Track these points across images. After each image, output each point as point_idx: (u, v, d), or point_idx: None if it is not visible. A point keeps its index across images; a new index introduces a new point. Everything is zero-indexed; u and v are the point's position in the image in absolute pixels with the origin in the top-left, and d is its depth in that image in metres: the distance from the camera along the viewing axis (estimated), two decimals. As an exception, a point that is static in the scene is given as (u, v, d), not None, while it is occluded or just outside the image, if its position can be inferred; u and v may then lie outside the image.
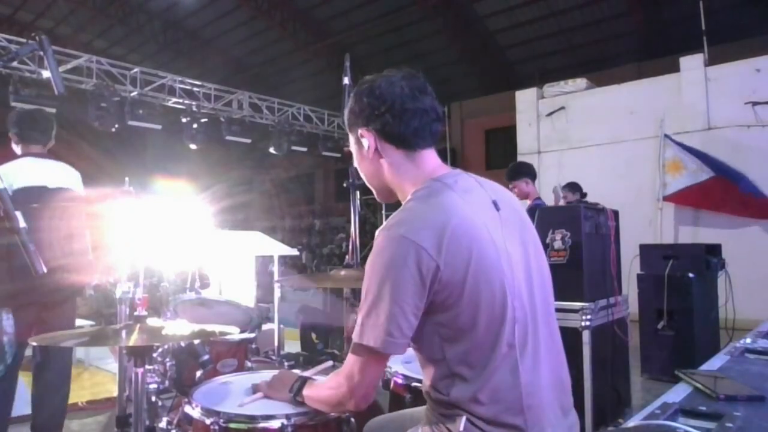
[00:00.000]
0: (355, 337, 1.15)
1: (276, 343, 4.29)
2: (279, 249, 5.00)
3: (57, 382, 2.67)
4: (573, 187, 5.37)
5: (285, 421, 1.42)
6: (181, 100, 10.66)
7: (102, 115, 9.18)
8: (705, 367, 1.52)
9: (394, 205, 1.29)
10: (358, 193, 2.16)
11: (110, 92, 9.34)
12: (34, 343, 1.46)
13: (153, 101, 10.30)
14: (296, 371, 1.69)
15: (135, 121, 9.68)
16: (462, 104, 14.35)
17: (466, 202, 1.18)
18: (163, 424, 1.82)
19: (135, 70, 10.18)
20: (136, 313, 1.66)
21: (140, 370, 1.49)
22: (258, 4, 14.27)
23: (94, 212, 2.64)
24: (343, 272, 1.98)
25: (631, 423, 1.10)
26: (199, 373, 2.02)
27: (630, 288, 3.99)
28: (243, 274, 5.15)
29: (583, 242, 2.94)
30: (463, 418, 1.12)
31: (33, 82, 8.74)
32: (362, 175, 1.37)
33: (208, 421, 1.46)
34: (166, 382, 2.08)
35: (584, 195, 5.28)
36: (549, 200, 4.76)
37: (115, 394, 2.37)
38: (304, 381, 1.46)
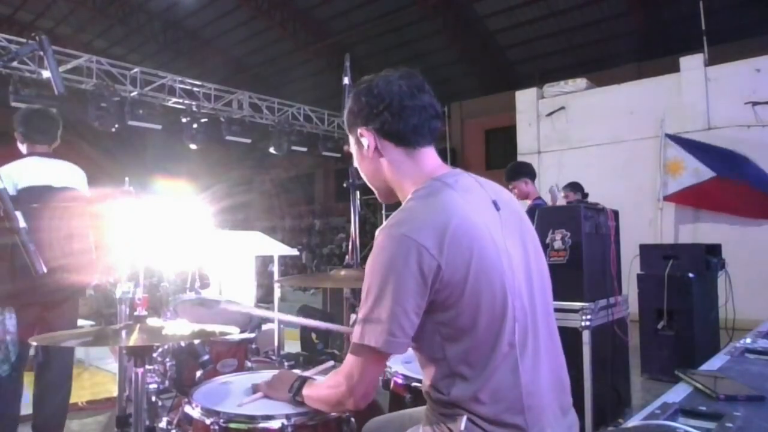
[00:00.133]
0: (355, 337, 1.15)
1: (276, 343, 4.29)
2: (279, 249, 4.99)
3: (58, 382, 2.67)
4: (575, 186, 5.36)
5: (285, 421, 1.42)
6: (181, 100, 10.66)
7: (102, 115, 9.18)
8: (705, 367, 1.52)
9: (394, 205, 1.29)
10: (358, 193, 2.16)
11: (110, 92, 9.34)
12: (35, 343, 1.46)
13: (153, 101, 10.30)
14: (296, 371, 1.69)
15: (135, 121, 9.69)
16: (462, 104, 14.36)
17: (467, 202, 1.18)
18: (163, 424, 1.82)
19: (135, 70, 10.18)
20: (136, 313, 1.65)
21: (140, 370, 1.49)
22: (258, 4, 14.28)
23: (94, 212, 2.64)
24: (343, 272, 1.98)
25: (631, 423, 1.10)
26: (199, 373, 2.03)
27: (630, 288, 3.99)
28: (243, 274, 5.14)
29: (583, 242, 2.93)
30: (464, 418, 1.12)
31: (33, 82, 8.74)
32: (363, 176, 1.37)
33: (208, 421, 1.46)
34: (166, 382, 2.09)
35: (586, 195, 5.27)
36: (547, 200, 4.75)
37: (115, 394, 2.37)
38: (303, 380, 1.46)
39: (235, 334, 1.85)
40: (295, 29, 14.99)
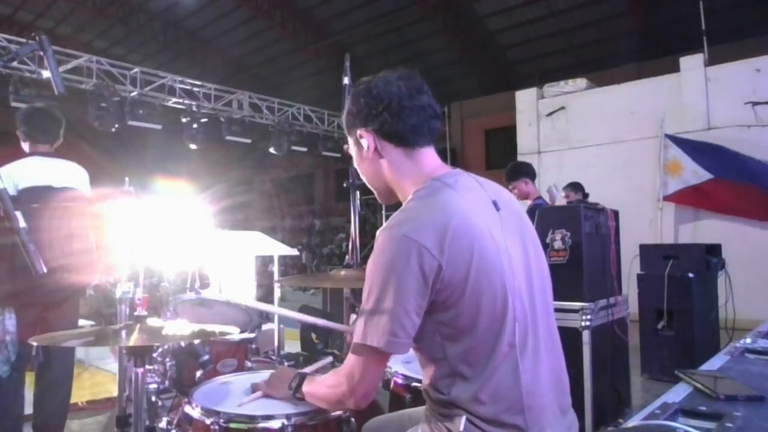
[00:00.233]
0: (356, 338, 1.15)
1: (276, 343, 4.29)
2: (279, 249, 5.00)
3: (58, 382, 2.67)
4: (576, 186, 5.37)
5: (285, 421, 1.42)
6: (181, 100, 10.67)
7: (102, 115, 9.19)
8: (705, 367, 1.52)
9: (395, 205, 1.29)
10: (358, 193, 2.16)
11: (110, 92, 9.35)
12: (35, 343, 1.46)
13: (153, 101, 10.30)
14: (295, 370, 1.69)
15: (135, 121, 9.69)
16: (462, 104, 14.36)
17: (467, 202, 1.19)
18: (163, 424, 1.82)
19: (135, 70, 10.18)
20: (136, 313, 1.65)
21: (140, 370, 1.49)
22: (258, 4, 14.28)
23: (94, 212, 2.64)
24: (343, 272, 1.98)
25: (631, 423, 1.10)
26: (199, 373, 2.02)
27: (630, 288, 3.99)
28: (243, 274, 5.14)
29: (583, 242, 2.93)
30: (463, 418, 1.12)
31: (33, 82, 8.75)
32: (363, 177, 1.37)
33: (208, 421, 1.46)
34: (166, 382, 2.08)
35: (586, 195, 5.28)
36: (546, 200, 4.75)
37: (115, 394, 2.37)
38: (303, 377, 1.46)
39: (235, 334, 1.85)
40: (295, 29, 15.00)
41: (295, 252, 5.71)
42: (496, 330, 1.12)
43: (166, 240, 3.24)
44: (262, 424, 1.44)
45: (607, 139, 8.22)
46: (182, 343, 2.07)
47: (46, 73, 7.58)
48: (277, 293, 4.59)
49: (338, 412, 1.48)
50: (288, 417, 1.42)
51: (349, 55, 2.23)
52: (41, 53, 1.52)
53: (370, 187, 1.39)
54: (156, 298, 4.22)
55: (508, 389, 1.12)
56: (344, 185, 2.14)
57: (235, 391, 1.69)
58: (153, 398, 1.82)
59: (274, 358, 4.03)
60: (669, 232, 7.37)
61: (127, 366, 2.20)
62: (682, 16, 10.64)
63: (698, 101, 7.54)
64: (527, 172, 4.01)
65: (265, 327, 3.74)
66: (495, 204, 1.25)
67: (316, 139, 12.90)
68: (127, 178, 2.35)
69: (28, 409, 2.68)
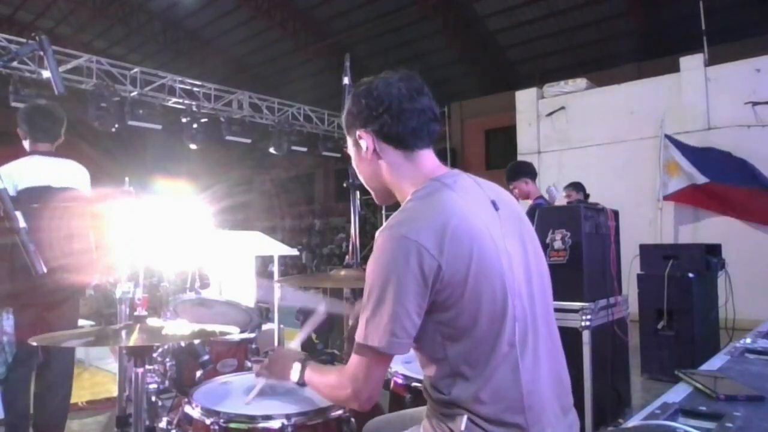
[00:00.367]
0: (358, 338, 1.15)
1: (276, 343, 4.29)
2: (279, 249, 5.00)
3: (58, 382, 2.67)
4: (577, 186, 5.37)
5: (285, 421, 1.42)
6: (181, 100, 10.67)
7: (102, 115, 9.19)
8: (705, 367, 1.52)
9: (395, 205, 1.29)
10: (358, 193, 2.16)
11: (110, 92, 9.35)
12: (35, 343, 1.45)
13: (153, 101, 10.31)
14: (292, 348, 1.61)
15: (135, 121, 9.70)
16: (462, 104, 14.36)
17: (466, 202, 1.19)
18: (163, 424, 1.83)
19: (135, 70, 10.19)
20: (136, 313, 1.66)
21: (140, 370, 1.49)
22: (258, 4, 14.28)
23: (94, 212, 2.63)
24: (343, 272, 1.98)
25: (631, 423, 1.10)
26: (199, 373, 2.03)
27: (630, 288, 3.99)
28: (243, 274, 5.14)
29: (583, 242, 2.93)
30: (465, 417, 1.12)
31: (33, 82, 8.75)
32: (360, 177, 1.37)
33: (208, 421, 1.46)
34: (166, 382, 2.09)
35: (587, 196, 5.28)
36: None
37: (115, 394, 2.37)
38: (305, 365, 1.39)
39: (235, 334, 1.86)
40: (295, 29, 15.00)
41: (295, 252, 5.71)
42: (496, 330, 1.12)
43: (166, 240, 3.24)
44: (262, 424, 1.44)
45: (607, 139, 8.22)
46: (182, 343, 2.07)
47: (46, 73, 7.58)
48: (277, 293, 4.59)
49: (338, 412, 1.48)
50: (288, 417, 1.42)
51: (349, 55, 2.23)
52: (41, 53, 1.52)
53: (367, 187, 1.38)
54: (156, 298, 4.22)
55: (509, 389, 1.12)
56: (344, 185, 2.14)
57: (235, 391, 1.69)
58: (153, 398, 1.82)
59: (274, 358, 4.02)
60: (669, 232, 7.37)
61: (127, 366, 2.20)
62: (682, 16, 10.64)
63: (698, 101, 7.54)
64: (527, 171, 4.00)
65: (265, 327, 3.74)
66: (494, 204, 1.25)
67: (316, 139, 12.90)
68: (127, 178, 2.35)
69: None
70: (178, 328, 1.72)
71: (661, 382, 4.16)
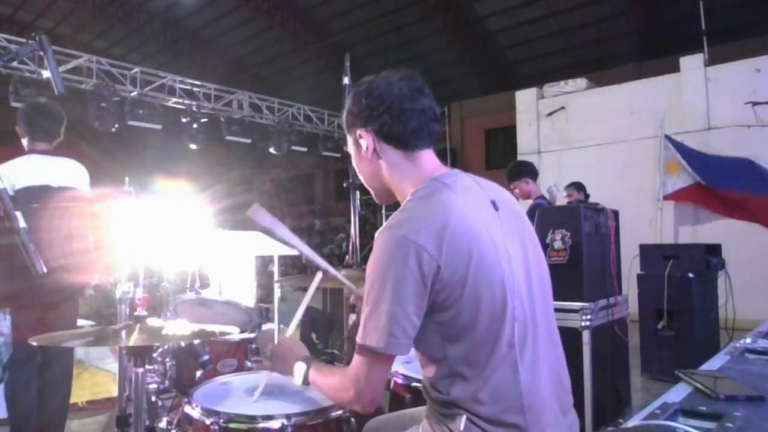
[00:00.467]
0: (358, 339, 1.15)
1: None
2: (279, 249, 5.00)
3: (58, 382, 2.66)
4: (578, 186, 5.38)
5: (285, 421, 1.42)
6: (181, 100, 10.67)
7: (102, 115, 9.19)
8: (705, 367, 1.52)
9: (394, 205, 1.29)
10: (358, 193, 2.17)
11: (110, 92, 9.35)
12: (35, 343, 1.45)
13: (153, 101, 10.30)
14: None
15: (135, 121, 9.70)
16: (462, 104, 14.35)
17: (465, 202, 1.18)
18: (163, 424, 1.83)
19: (135, 70, 10.18)
20: (136, 313, 1.66)
21: (140, 370, 1.49)
22: (258, 4, 14.27)
23: (94, 212, 2.62)
24: (343, 272, 1.98)
25: (631, 423, 1.10)
26: (199, 373, 2.03)
27: (630, 288, 3.99)
28: (243, 274, 5.15)
29: (583, 242, 2.93)
30: (464, 417, 1.12)
31: (33, 82, 8.75)
32: (360, 176, 1.37)
33: (208, 421, 1.46)
34: (166, 382, 2.09)
35: (587, 196, 5.28)
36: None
37: (115, 394, 2.37)
38: (308, 365, 1.39)
39: (235, 334, 1.86)
40: (295, 29, 14.99)
41: (295, 252, 5.70)
42: (496, 330, 1.12)
43: (166, 240, 3.24)
44: (262, 424, 1.44)
45: (607, 139, 8.22)
46: (182, 343, 2.07)
47: (46, 73, 7.58)
48: (277, 293, 4.59)
49: (338, 412, 1.49)
50: (288, 417, 1.42)
51: (349, 55, 2.23)
52: (41, 53, 1.52)
53: (367, 187, 1.38)
54: (156, 298, 4.22)
55: (508, 389, 1.12)
56: (344, 185, 2.15)
57: (235, 391, 1.69)
58: (153, 398, 1.82)
59: (274, 358, 4.02)
60: (669, 232, 7.37)
61: (127, 366, 2.20)
62: (682, 16, 10.64)
63: (698, 101, 7.54)
64: (528, 171, 4.00)
65: (265, 327, 3.74)
66: (494, 204, 1.24)
67: (316, 139, 12.90)
68: (127, 178, 2.35)
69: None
70: (178, 328, 1.72)
71: (661, 382, 4.16)
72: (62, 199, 2.54)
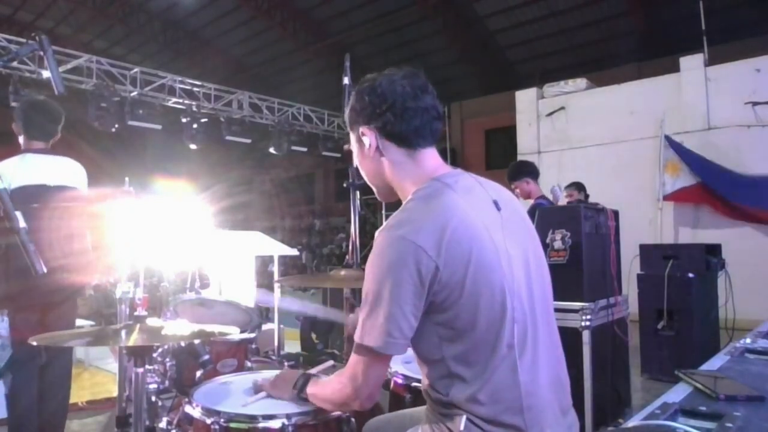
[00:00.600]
0: (356, 338, 1.16)
1: (276, 343, 4.29)
2: (279, 249, 5.00)
3: (58, 382, 2.66)
4: (579, 186, 5.38)
5: (286, 421, 1.42)
6: (181, 100, 10.66)
7: (102, 115, 9.19)
8: (705, 367, 1.52)
9: (394, 205, 1.29)
10: (358, 193, 2.16)
11: (110, 92, 9.35)
12: (35, 343, 1.45)
13: (153, 101, 10.30)
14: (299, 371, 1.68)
15: (135, 121, 9.69)
16: (462, 104, 14.35)
17: (467, 203, 1.18)
18: (163, 424, 1.82)
19: (135, 70, 10.18)
20: (136, 313, 1.66)
21: (140, 370, 1.49)
22: (258, 4, 14.27)
23: (93, 212, 2.60)
24: (343, 272, 1.98)
25: (631, 423, 1.10)
26: (199, 373, 2.03)
27: (630, 288, 3.99)
28: (243, 274, 5.14)
29: (583, 242, 2.93)
30: (463, 418, 1.12)
31: (33, 82, 8.76)
32: (363, 174, 1.37)
33: (208, 421, 1.46)
34: (166, 382, 2.09)
35: (587, 196, 5.29)
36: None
37: (115, 394, 2.37)
38: (307, 378, 1.46)
39: (235, 334, 1.86)
40: (295, 29, 14.99)
41: (295, 252, 5.71)
42: (495, 331, 1.12)
43: (166, 240, 3.24)
44: (262, 424, 1.44)
45: (607, 139, 8.22)
46: (182, 343, 2.07)
47: (46, 73, 7.57)
48: (277, 293, 4.59)
49: (338, 412, 1.48)
50: (288, 417, 1.42)
51: (349, 55, 2.23)
52: (41, 53, 1.52)
53: (369, 184, 1.39)
54: (156, 298, 4.22)
55: (507, 390, 1.12)
56: (344, 185, 2.14)
57: (235, 391, 1.69)
58: (153, 398, 1.82)
59: (274, 358, 4.03)
60: (669, 232, 7.37)
61: (127, 366, 2.20)
62: (682, 16, 10.63)
63: (698, 101, 7.54)
64: (528, 171, 4.00)
65: (265, 327, 3.74)
66: (496, 204, 1.24)
67: (316, 139, 12.90)
68: (127, 178, 2.35)
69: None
70: (178, 328, 1.72)
71: (661, 382, 4.16)
72: (60, 198, 2.50)
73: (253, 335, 2.46)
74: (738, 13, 10.52)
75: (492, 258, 1.14)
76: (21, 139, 2.64)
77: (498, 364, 1.12)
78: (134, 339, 1.47)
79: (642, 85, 8.27)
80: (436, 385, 1.17)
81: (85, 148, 13.13)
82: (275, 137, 11.82)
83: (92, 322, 5.40)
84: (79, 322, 2.91)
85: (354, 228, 2.18)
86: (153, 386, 1.81)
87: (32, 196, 2.40)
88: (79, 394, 3.72)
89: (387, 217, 1.33)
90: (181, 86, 10.69)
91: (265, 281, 6.36)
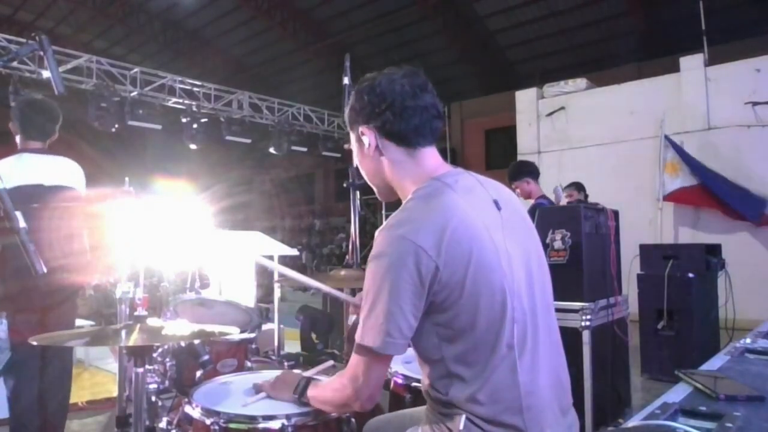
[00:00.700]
0: (357, 337, 1.16)
1: (276, 343, 4.29)
2: (279, 249, 5.00)
3: (58, 383, 2.66)
4: (578, 186, 5.38)
5: (285, 422, 1.42)
6: (181, 100, 10.66)
7: (102, 115, 9.19)
8: (705, 367, 1.52)
9: (394, 204, 1.29)
10: (358, 193, 2.17)
11: (110, 92, 9.35)
12: (35, 343, 1.45)
13: (153, 101, 10.30)
14: (297, 371, 1.69)
15: (135, 121, 9.69)
16: (462, 104, 14.35)
17: (467, 203, 1.18)
18: (163, 424, 1.82)
19: (135, 70, 10.18)
20: (136, 313, 1.66)
21: (140, 370, 1.49)
22: (258, 4, 14.27)
23: (93, 212, 2.59)
24: (343, 272, 1.98)
25: (631, 423, 1.10)
26: (199, 373, 2.03)
27: (630, 288, 3.99)
28: (243, 274, 5.14)
29: (583, 242, 2.93)
30: (463, 417, 1.12)
31: (33, 82, 8.76)
32: (363, 174, 1.37)
33: (208, 421, 1.46)
34: (166, 382, 2.09)
35: (587, 196, 5.29)
36: (552, 199, 4.74)
37: (115, 394, 2.37)
38: (308, 381, 1.46)
39: (235, 334, 1.86)
40: (295, 29, 14.99)
41: (295, 252, 5.71)
42: (495, 331, 1.12)
43: (166, 240, 3.23)
44: (262, 425, 1.44)
45: (607, 139, 8.21)
46: (182, 343, 2.07)
47: (46, 73, 7.57)
48: (277, 293, 4.59)
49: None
50: (288, 417, 1.42)
51: (349, 55, 2.23)
52: (41, 53, 1.52)
53: (370, 184, 1.39)
54: (156, 298, 4.22)
55: (506, 390, 1.12)
56: (344, 185, 2.15)
57: (235, 391, 1.69)
58: (153, 398, 1.82)
59: (274, 358, 4.03)
60: (669, 232, 7.36)
61: (127, 366, 2.20)
62: (682, 16, 10.63)
63: (698, 101, 7.54)
64: (529, 171, 4.01)
65: (265, 327, 3.74)
66: (496, 203, 1.24)
67: (316, 139, 12.90)
68: (127, 178, 2.35)
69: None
70: (178, 328, 1.72)
71: (661, 382, 4.16)
72: (59, 198, 2.48)
73: (253, 335, 2.46)
74: (738, 13, 10.52)
75: (492, 258, 1.14)
76: (18, 139, 2.60)
77: (497, 364, 1.12)
78: (134, 339, 1.47)
79: (642, 85, 8.26)
80: (435, 385, 1.17)
81: (85, 148, 13.14)
82: (275, 137, 11.82)
83: (92, 322, 5.40)
84: (79, 322, 2.90)
85: (354, 228, 2.19)
86: (153, 386, 1.81)
87: (28, 196, 2.36)
88: (79, 394, 3.72)
89: (387, 216, 1.33)
90: (181, 86, 10.68)
91: (265, 281, 6.36)
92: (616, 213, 3.42)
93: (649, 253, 4.58)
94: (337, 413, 1.44)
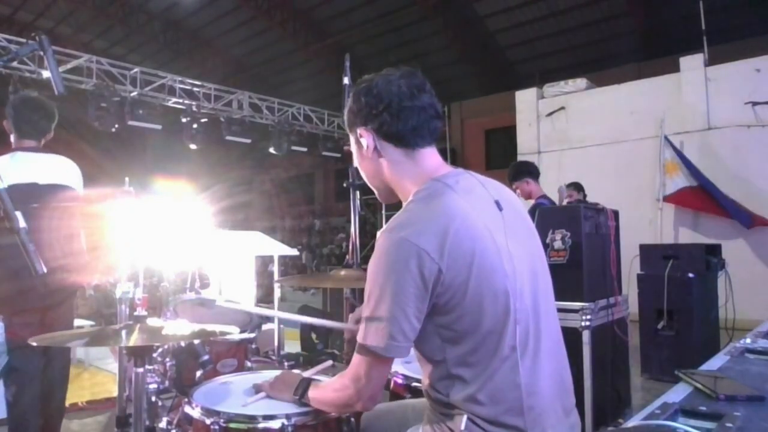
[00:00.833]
0: (359, 338, 1.15)
1: (276, 343, 4.30)
2: (279, 249, 5.00)
3: (57, 384, 2.66)
4: (577, 186, 5.39)
5: (285, 421, 1.42)
6: (181, 100, 10.66)
7: (102, 115, 9.19)
8: (705, 367, 1.52)
9: (395, 205, 1.29)
10: (358, 193, 2.16)
11: (110, 92, 9.35)
12: (35, 344, 1.45)
13: (153, 101, 10.30)
14: (297, 371, 1.69)
15: (135, 121, 9.69)
16: (462, 104, 14.36)
17: (468, 204, 1.18)
18: (163, 424, 1.82)
19: (135, 70, 10.18)
20: (136, 313, 1.66)
21: (140, 370, 1.49)
22: (258, 4, 14.28)
23: (93, 212, 2.57)
24: (343, 272, 1.98)
25: (631, 423, 1.09)
26: (199, 373, 2.02)
27: (630, 288, 3.99)
28: (243, 274, 5.15)
29: (583, 242, 2.93)
30: (464, 417, 1.12)
31: (33, 82, 8.75)
32: (363, 175, 1.37)
33: (208, 421, 1.45)
34: (166, 382, 2.08)
35: (585, 196, 5.29)
36: (555, 199, 4.73)
37: (115, 394, 2.37)
38: (308, 383, 1.45)
39: (235, 334, 1.85)
40: (295, 29, 14.99)
41: (295, 252, 5.72)
42: (498, 332, 1.12)
43: (166, 240, 3.24)
44: (262, 424, 1.43)
45: (607, 139, 8.22)
46: (182, 343, 2.07)
47: (46, 73, 7.57)
48: (277, 293, 4.59)
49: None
50: (288, 417, 1.42)
51: (349, 55, 2.23)
52: (41, 53, 1.51)
53: (370, 185, 1.38)
54: (156, 298, 4.22)
55: (508, 391, 1.12)
56: (344, 185, 2.14)
57: (235, 391, 1.69)
58: (153, 398, 1.82)
59: (274, 358, 4.03)
60: (669, 232, 7.36)
61: (127, 366, 2.20)
62: (682, 16, 10.63)
63: (698, 101, 7.54)
64: (529, 171, 4.01)
65: (265, 327, 3.74)
66: (497, 204, 1.24)
67: (316, 139, 12.90)
68: (127, 178, 2.34)
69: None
70: (178, 328, 1.72)
71: (661, 382, 4.16)
72: (54, 197, 2.44)
73: (253, 335, 2.46)
74: (738, 13, 10.52)
75: (494, 259, 1.13)
76: (12, 138, 2.56)
77: (499, 365, 1.11)
78: (134, 339, 1.47)
79: (642, 85, 8.27)
80: (436, 385, 1.17)
81: (85, 148, 13.12)
82: (275, 137, 11.82)
83: (92, 322, 5.40)
84: (79, 322, 2.90)
85: (354, 228, 2.18)
86: (153, 386, 1.81)
87: (23, 195, 2.32)
88: (79, 394, 3.72)
89: (387, 217, 1.32)
90: (181, 86, 10.69)
91: (265, 281, 6.37)
92: (616, 213, 3.42)
93: (649, 253, 4.58)
94: (338, 413, 1.44)
